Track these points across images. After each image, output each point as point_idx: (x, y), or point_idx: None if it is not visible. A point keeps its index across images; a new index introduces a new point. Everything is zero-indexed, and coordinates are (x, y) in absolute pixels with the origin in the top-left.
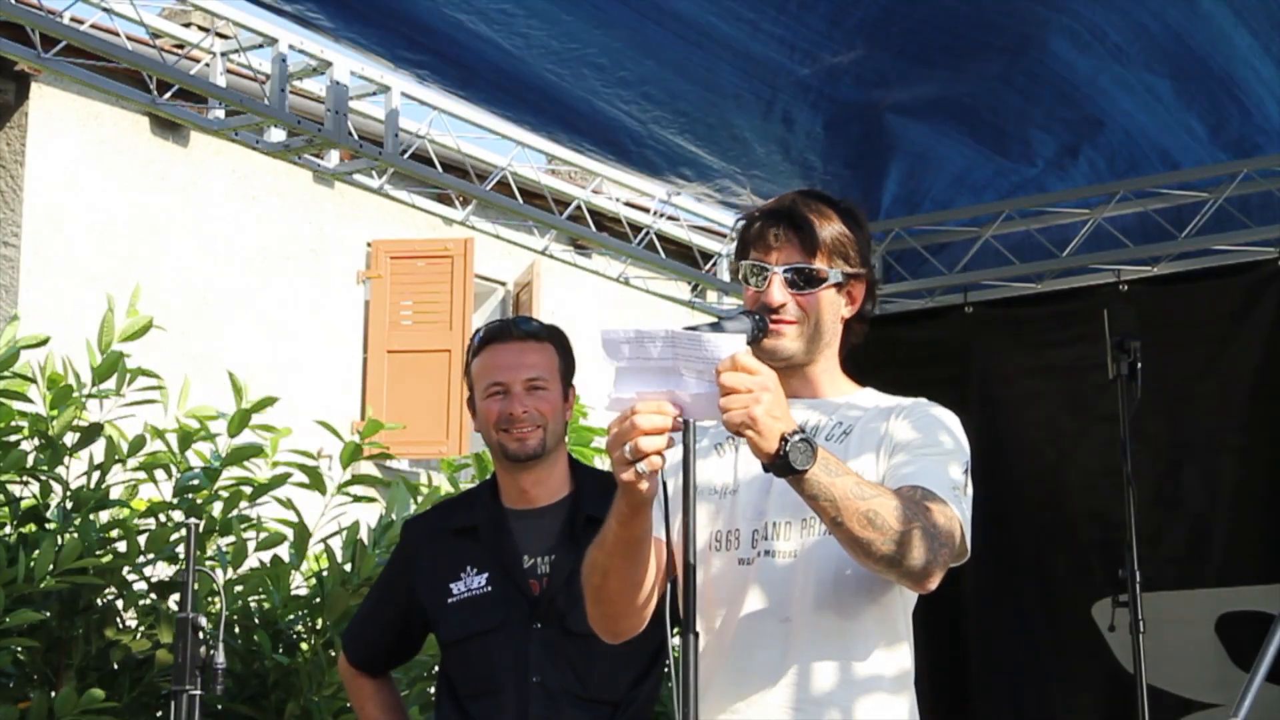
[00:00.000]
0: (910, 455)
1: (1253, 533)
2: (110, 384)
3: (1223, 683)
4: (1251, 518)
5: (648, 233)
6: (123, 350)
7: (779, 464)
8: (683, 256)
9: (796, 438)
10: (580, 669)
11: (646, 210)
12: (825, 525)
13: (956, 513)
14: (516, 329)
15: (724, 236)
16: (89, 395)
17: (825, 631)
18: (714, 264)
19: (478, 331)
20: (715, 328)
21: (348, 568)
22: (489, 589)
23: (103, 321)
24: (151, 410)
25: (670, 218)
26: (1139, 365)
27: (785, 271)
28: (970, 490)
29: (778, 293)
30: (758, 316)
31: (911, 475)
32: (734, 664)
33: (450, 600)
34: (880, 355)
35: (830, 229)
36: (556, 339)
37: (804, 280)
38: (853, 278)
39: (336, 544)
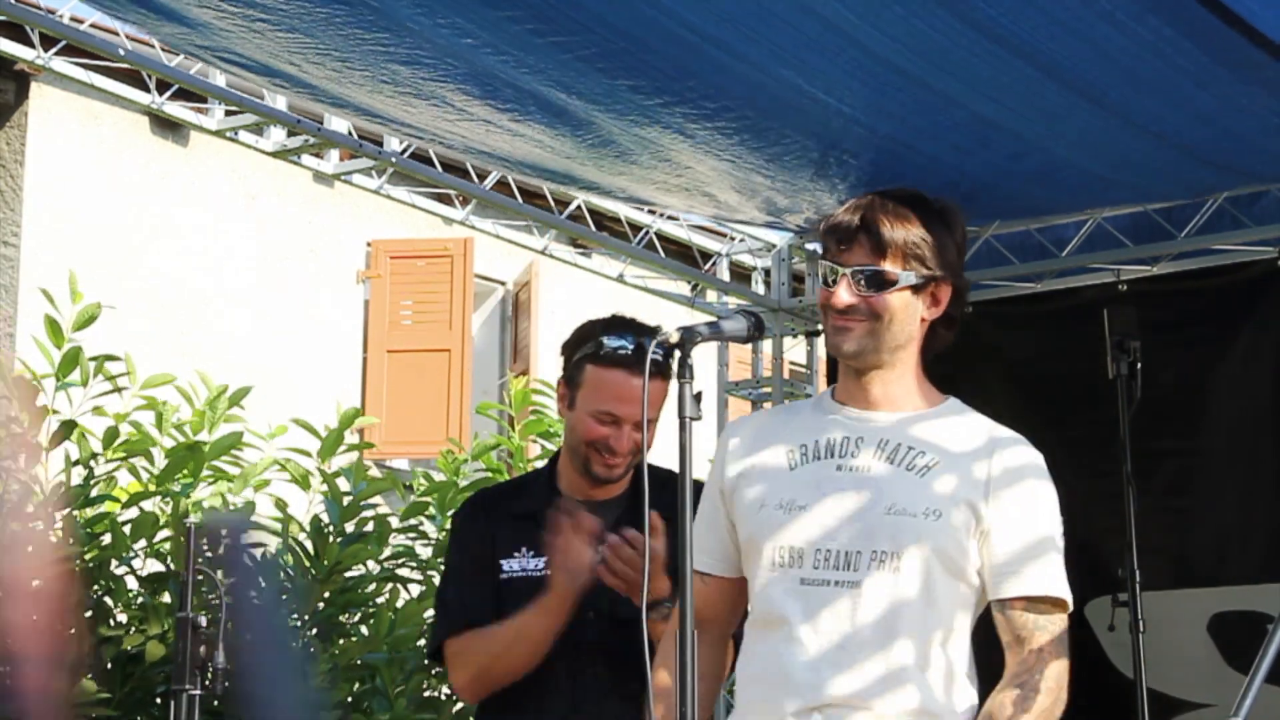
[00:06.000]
0: (1016, 552)
1: (1246, 532)
2: (76, 375)
3: (1215, 682)
4: (1245, 517)
5: (647, 232)
6: (78, 340)
7: None
8: (682, 256)
9: None
10: (627, 658)
11: (646, 209)
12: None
13: (1064, 600)
14: (650, 366)
15: (723, 236)
16: (57, 387)
17: (885, 664)
18: (713, 263)
19: (600, 338)
20: (713, 327)
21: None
22: (547, 573)
23: (46, 318)
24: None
25: (670, 217)
26: (1139, 365)
27: (852, 273)
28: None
29: (844, 293)
30: (754, 316)
31: (1025, 583)
32: (787, 686)
33: (501, 576)
34: None
35: (904, 231)
36: (666, 373)
37: (872, 282)
38: (932, 280)
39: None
